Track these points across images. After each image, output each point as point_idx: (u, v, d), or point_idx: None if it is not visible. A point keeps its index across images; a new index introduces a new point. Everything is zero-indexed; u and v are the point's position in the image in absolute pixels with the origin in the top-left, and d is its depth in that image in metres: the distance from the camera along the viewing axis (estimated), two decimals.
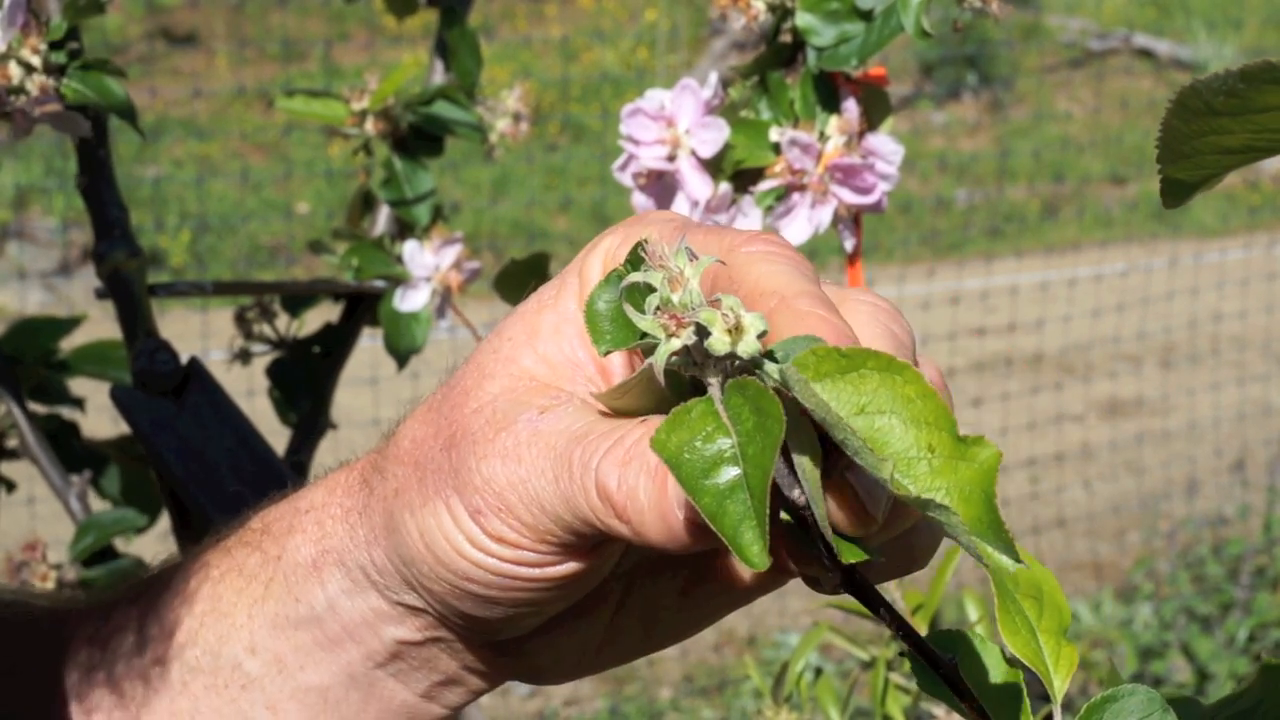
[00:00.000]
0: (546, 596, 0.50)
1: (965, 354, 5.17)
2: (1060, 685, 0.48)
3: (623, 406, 0.47)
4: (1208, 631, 3.46)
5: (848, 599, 0.47)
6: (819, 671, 1.10)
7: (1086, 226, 7.10)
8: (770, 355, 0.43)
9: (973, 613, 1.12)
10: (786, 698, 1.02)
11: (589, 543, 0.48)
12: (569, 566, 0.49)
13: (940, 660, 0.46)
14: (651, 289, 0.43)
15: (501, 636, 0.53)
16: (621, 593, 0.54)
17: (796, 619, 3.85)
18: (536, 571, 0.49)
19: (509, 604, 0.50)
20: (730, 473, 0.41)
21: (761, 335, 0.42)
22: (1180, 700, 0.53)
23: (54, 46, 0.84)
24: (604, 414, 0.48)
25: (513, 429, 0.48)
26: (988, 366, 5.25)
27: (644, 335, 0.44)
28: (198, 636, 0.55)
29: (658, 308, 0.43)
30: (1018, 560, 0.40)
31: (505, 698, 3.64)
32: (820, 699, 1.07)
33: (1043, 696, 0.51)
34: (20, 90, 0.81)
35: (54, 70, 0.83)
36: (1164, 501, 4.48)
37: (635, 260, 0.44)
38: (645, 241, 0.44)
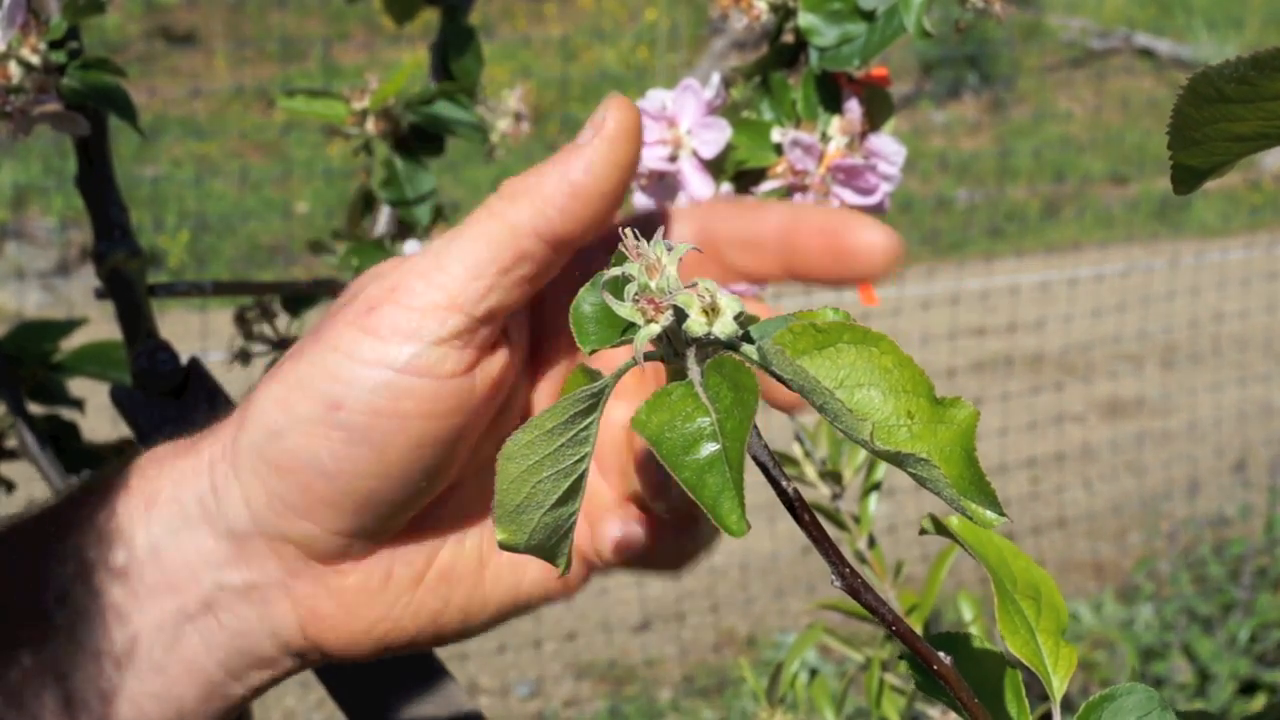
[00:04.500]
0: (422, 428, 0.52)
1: (965, 354, 5.17)
2: (1059, 685, 0.48)
3: None
4: (1209, 632, 3.45)
5: (846, 601, 0.47)
6: (814, 672, 1.10)
7: (1087, 226, 7.10)
8: (748, 338, 0.44)
9: (968, 614, 1.11)
10: (781, 699, 1.02)
11: (487, 333, 0.53)
12: (460, 368, 0.52)
13: (937, 660, 0.46)
14: (631, 280, 0.45)
15: (333, 548, 0.54)
16: (423, 564, 0.56)
17: (796, 620, 3.85)
18: (422, 381, 0.52)
19: (380, 433, 0.52)
20: (709, 448, 0.42)
21: (738, 316, 0.43)
22: (1196, 716, 0.53)
23: (54, 46, 0.83)
24: None
25: (414, 261, 0.54)
26: (988, 366, 5.25)
27: (626, 329, 0.44)
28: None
29: (636, 295, 0.44)
30: (1002, 514, 0.41)
31: (505, 698, 3.64)
32: (816, 700, 1.07)
33: (1042, 697, 0.51)
34: (19, 89, 0.81)
35: (53, 69, 0.83)
36: (1165, 502, 4.48)
37: (620, 260, 0.45)
38: (624, 235, 0.45)
